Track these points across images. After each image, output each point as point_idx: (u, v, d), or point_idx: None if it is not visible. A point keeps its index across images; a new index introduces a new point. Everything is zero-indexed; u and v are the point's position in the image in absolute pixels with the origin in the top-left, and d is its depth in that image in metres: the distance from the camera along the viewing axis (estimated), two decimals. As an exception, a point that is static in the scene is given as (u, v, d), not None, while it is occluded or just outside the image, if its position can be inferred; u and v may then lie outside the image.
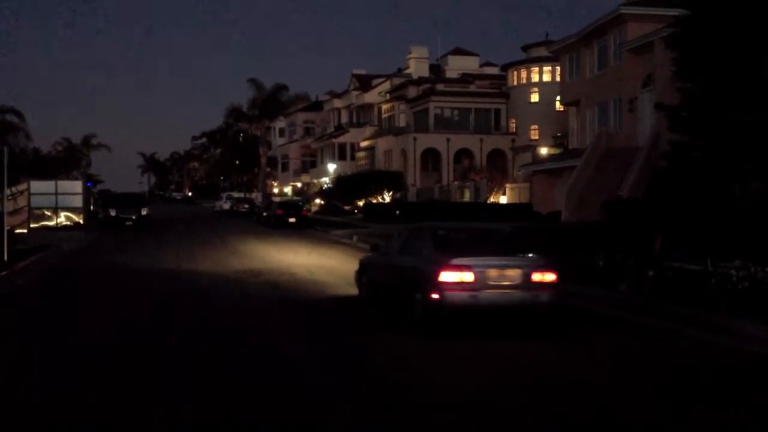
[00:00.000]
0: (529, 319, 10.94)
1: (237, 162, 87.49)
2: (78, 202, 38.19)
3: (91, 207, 45.71)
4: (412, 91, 60.68)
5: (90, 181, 63.86)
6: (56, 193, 37.43)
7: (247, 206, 58.93)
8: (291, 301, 13.88)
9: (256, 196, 67.57)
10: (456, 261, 10.52)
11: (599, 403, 7.37)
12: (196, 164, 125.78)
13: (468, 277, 10.41)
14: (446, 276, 10.45)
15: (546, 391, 7.73)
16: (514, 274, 10.64)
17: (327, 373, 8.53)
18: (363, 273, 14.02)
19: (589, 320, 12.02)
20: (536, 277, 10.66)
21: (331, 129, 72.94)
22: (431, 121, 56.04)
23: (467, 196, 47.95)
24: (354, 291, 14.34)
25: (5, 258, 19.08)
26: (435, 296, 10.50)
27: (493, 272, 10.56)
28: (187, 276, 17.84)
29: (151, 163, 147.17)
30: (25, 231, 31.82)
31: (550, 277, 10.74)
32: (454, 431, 6.48)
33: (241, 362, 8.96)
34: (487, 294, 10.48)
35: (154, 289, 15.59)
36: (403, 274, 11.90)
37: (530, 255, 11.26)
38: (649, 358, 9.41)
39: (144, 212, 40.38)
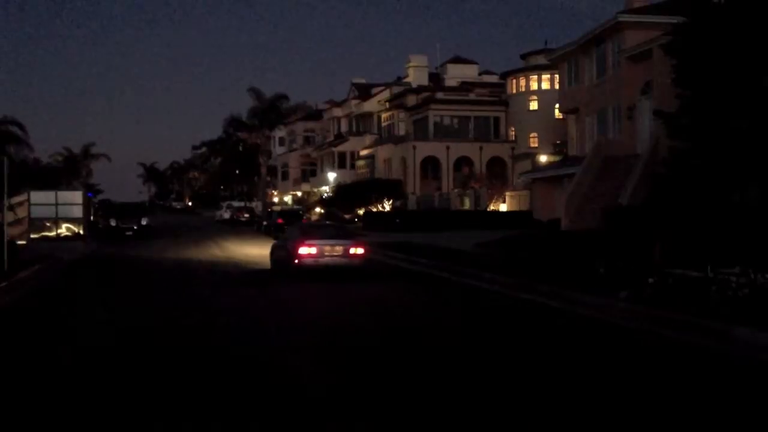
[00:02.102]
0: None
1: (237, 171, 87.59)
2: (78, 212, 38.12)
3: (92, 217, 45.64)
4: (411, 100, 60.80)
5: (90, 191, 63.82)
6: (56, 204, 37.36)
7: (247, 215, 58.93)
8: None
9: (257, 205, 67.56)
10: (307, 242, 18.88)
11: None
12: (196, 174, 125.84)
13: (313, 250, 18.70)
14: (302, 250, 18.70)
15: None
16: (339, 249, 19.00)
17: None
18: (272, 253, 22.23)
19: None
20: (352, 250, 19.03)
21: (330, 138, 73.06)
22: (431, 129, 56.14)
23: (467, 204, 47.99)
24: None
25: (5, 268, 19.07)
26: (296, 261, 18.75)
27: (327, 248, 18.90)
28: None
29: (151, 173, 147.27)
30: (24, 242, 31.81)
31: (360, 251, 19.12)
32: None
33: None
34: (324, 260, 18.79)
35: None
36: (286, 250, 19.87)
37: (350, 238, 20.10)
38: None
39: (144, 222, 40.52)
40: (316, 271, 18.67)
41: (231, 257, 27.39)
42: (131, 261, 26.16)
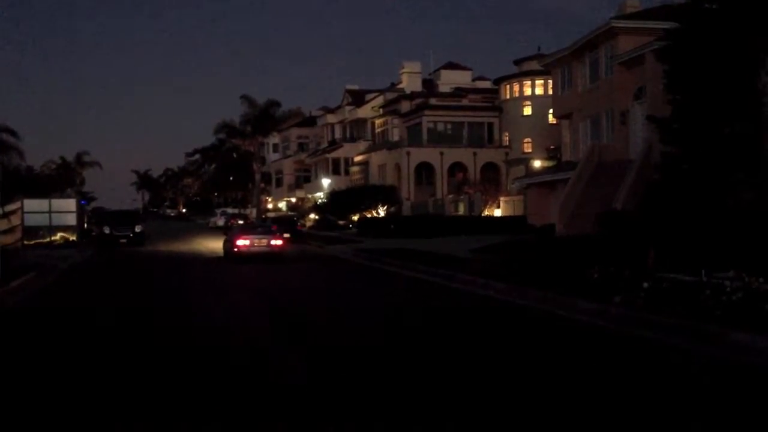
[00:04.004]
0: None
1: (231, 178, 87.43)
2: (72, 220, 38.07)
3: (85, 225, 45.52)
4: (405, 106, 60.91)
5: (83, 198, 63.69)
6: (50, 212, 37.33)
7: (241, 222, 58.78)
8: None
9: (251, 212, 67.48)
10: (242, 236, 27.56)
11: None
12: (189, 181, 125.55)
13: (247, 242, 27.19)
14: (239, 242, 27.16)
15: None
16: (264, 241, 27.49)
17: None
18: (223, 245, 30.26)
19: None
20: (273, 242, 27.53)
21: (324, 144, 73.09)
22: (425, 135, 56.23)
23: (461, 210, 48.05)
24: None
25: (-1, 276, 18.98)
26: (236, 249, 27.11)
27: (256, 240, 27.37)
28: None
29: (144, 181, 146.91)
30: (18, 249, 31.69)
31: (279, 242, 27.66)
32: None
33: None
34: (254, 248, 27.06)
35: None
36: (230, 242, 28.31)
37: (274, 233, 28.55)
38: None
39: (138, 229, 40.41)
40: (248, 256, 26.88)
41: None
42: (125, 267, 27.38)
